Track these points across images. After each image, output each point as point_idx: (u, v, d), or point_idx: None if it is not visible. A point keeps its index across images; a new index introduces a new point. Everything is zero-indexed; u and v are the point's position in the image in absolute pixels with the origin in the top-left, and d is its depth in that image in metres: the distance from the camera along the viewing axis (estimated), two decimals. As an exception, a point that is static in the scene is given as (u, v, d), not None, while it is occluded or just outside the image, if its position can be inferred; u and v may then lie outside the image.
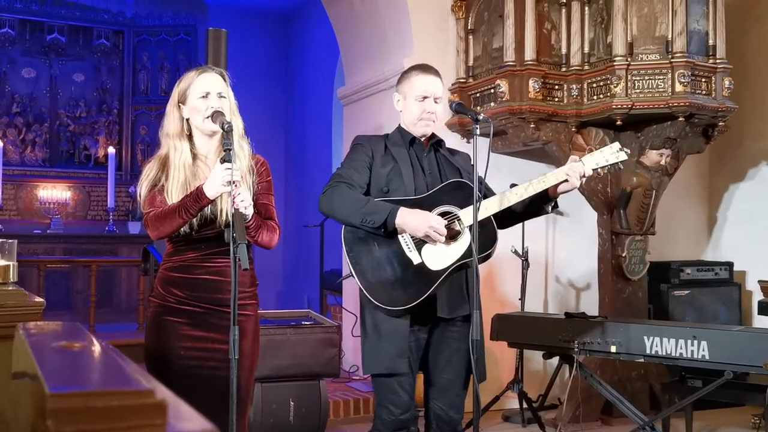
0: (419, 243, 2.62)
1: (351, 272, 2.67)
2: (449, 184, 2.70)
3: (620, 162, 2.71)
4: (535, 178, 2.69)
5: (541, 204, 2.75)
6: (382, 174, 2.72)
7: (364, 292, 2.64)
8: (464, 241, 2.63)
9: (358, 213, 2.58)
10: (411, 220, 2.57)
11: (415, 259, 2.62)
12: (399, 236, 2.62)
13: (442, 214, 2.63)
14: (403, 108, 2.84)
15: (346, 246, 2.68)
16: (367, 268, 2.65)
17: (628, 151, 2.75)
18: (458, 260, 2.63)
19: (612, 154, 2.69)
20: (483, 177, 2.69)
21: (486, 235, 2.65)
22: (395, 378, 2.65)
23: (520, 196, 2.68)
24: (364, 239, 2.66)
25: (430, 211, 2.62)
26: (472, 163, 2.78)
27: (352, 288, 5.25)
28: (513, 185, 2.73)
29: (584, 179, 2.67)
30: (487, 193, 2.79)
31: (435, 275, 2.62)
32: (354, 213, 2.59)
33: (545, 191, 2.69)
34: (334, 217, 2.67)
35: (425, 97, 2.76)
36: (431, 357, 2.76)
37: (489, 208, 2.65)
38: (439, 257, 2.63)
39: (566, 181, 2.66)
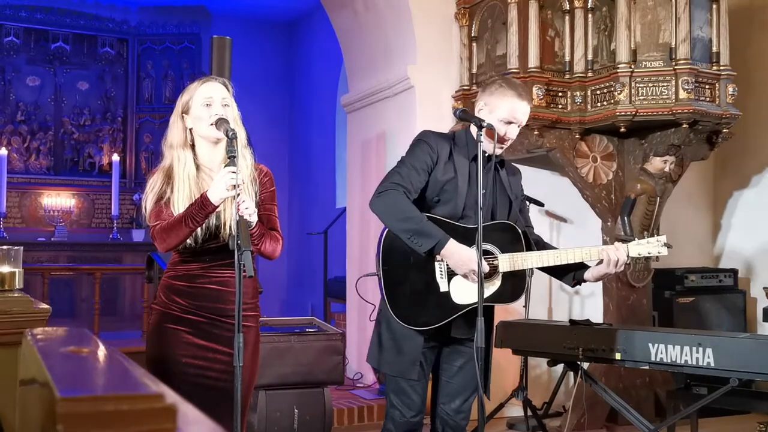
0: (452, 272, 2.64)
1: (378, 276, 2.67)
2: (498, 224, 2.72)
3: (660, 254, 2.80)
4: (578, 248, 2.73)
5: (572, 277, 2.79)
6: (439, 182, 2.68)
7: (385, 300, 2.65)
8: (494, 283, 2.68)
9: (408, 230, 2.56)
10: (456, 258, 2.57)
11: (443, 287, 2.64)
12: (436, 262, 2.64)
13: (482, 252, 2.62)
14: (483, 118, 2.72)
15: (382, 249, 2.67)
16: (395, 278, 2.65)
17: (671, 246, 2.81)
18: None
19: (655, 247, 2.75)
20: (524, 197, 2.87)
21: (516, 285, 2.71)
22: (408, 381, 2.68)
23: (560, 260, 2.71)
24: (401, 248, 2.64)
25: (473, 243, 2.61)
26: (521, 183, 2.90)
27: (368, 285, 5.24)
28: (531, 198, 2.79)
29: (619, 267, 2.69)
30: (525, 221, 2.85)
31: (456, 307, 2.65)
32: (404, 228, 2.57)
33: (583, 267, 2.75)
34: (381, 220, 2.65)
35: (510, 122, 2.68)
36: (443, 363, 2.78)
37: (528, 261, 2.68)
38: (466, 292, 2.65)
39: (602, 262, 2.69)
